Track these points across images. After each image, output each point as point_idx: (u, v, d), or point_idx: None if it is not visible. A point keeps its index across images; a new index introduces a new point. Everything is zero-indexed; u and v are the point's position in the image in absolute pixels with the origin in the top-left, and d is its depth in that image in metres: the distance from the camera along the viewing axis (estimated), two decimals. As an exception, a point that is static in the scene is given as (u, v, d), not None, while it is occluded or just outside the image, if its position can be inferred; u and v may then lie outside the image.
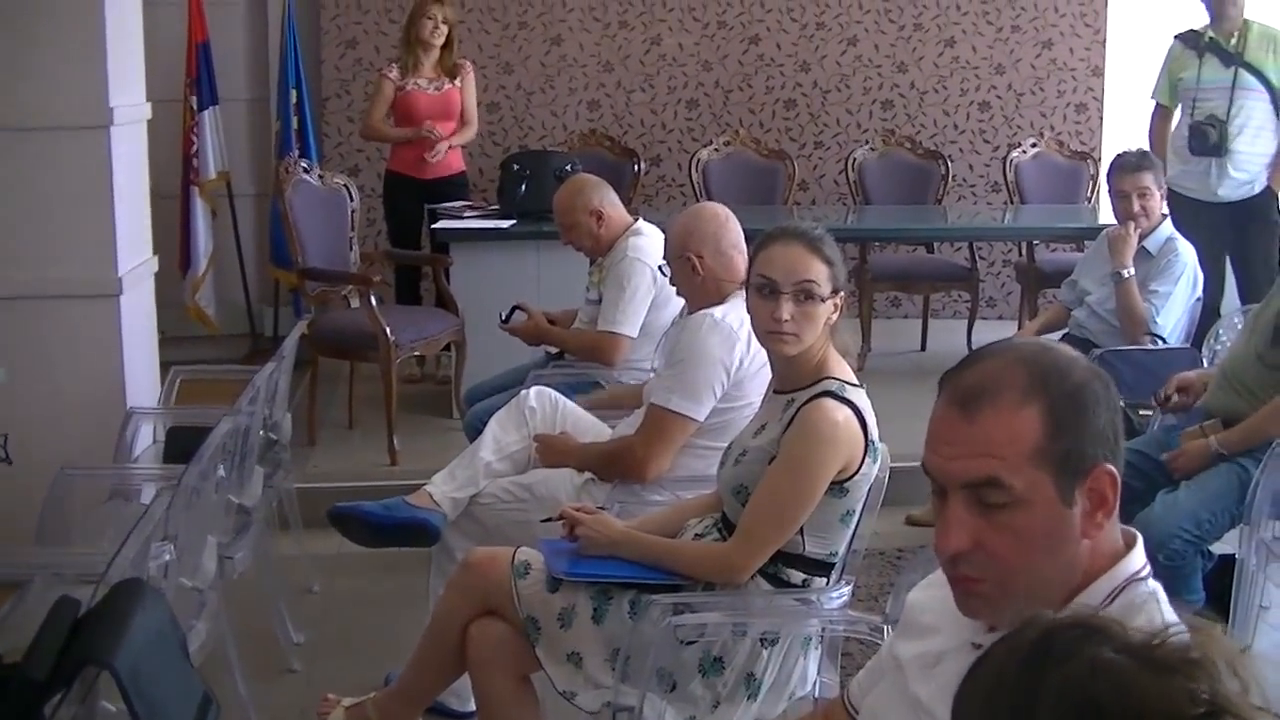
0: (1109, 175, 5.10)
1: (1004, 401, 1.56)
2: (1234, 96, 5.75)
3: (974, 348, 6.76)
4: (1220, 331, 4.65)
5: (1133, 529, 1.65)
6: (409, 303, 6.74)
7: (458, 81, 6.60)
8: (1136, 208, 4.89)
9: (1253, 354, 3.84)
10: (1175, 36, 6.04)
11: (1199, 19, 5.95)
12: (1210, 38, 5.82)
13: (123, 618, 2.08)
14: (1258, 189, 5.88)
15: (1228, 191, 5.82)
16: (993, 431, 1.55)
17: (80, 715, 2.03)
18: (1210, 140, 5.75)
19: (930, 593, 1.82)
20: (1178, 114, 6.02)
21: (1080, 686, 1.11)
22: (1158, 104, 6.13)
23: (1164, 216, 4.98)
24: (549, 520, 3.09)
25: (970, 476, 1.55)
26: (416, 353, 5.97)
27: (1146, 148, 5.53)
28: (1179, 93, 5.96)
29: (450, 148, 6.54)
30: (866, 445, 2.78)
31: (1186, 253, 4.90)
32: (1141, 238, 4.89)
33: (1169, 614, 1.56)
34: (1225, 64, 5.78)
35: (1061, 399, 1.56)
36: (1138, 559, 1.61)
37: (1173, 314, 4.82)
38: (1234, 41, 5.78)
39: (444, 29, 6.52)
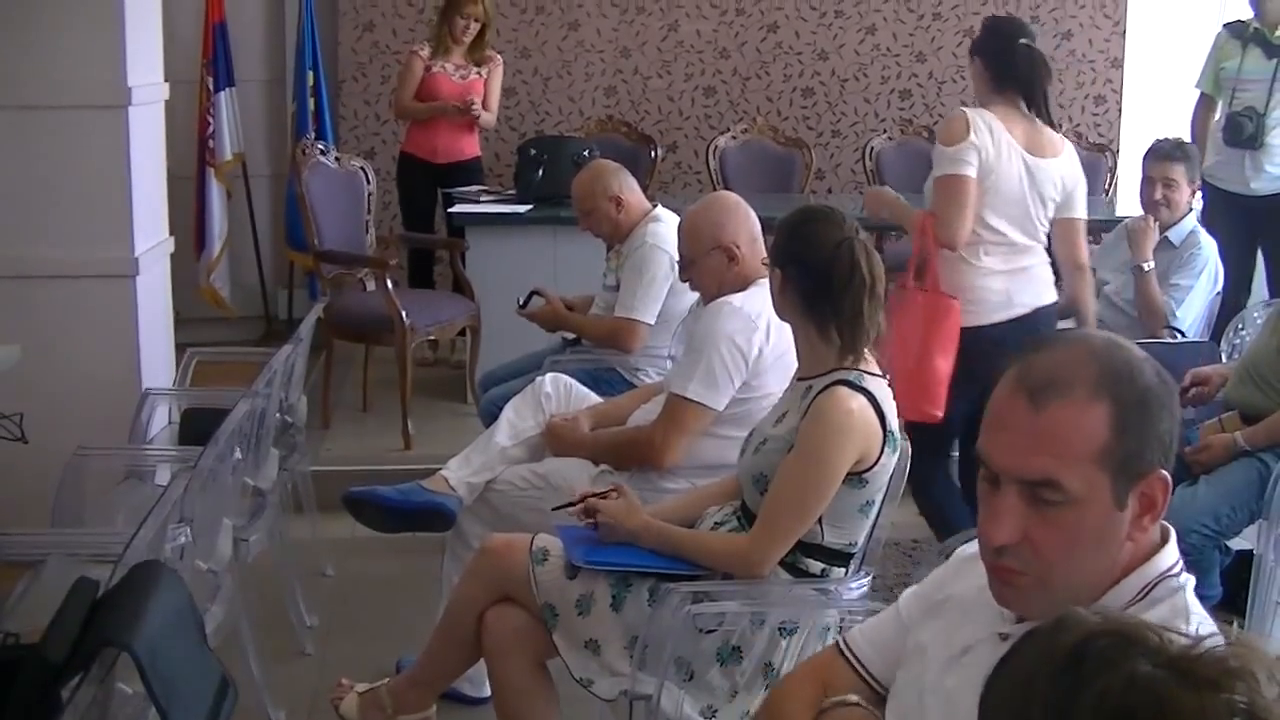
0: (1144, 158, 5.05)
1: (1074, 396, 1.53)
2: (1273, 89, 5.62)
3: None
4: (1241, 325, 4.62)
5: (1166, 523, 1.63)
6: (422, 286, 6.72)
7: (484, 70, 6.59)
8: (1159, 195, 4.85)
9: (1275, 348, 3.82)
10: (1224, 25, 5.94)
11: (1229, 11, 5.86)
12: (1256, 28, 5.73)
13: (141, 600, 2.07)
14: None
15: (1261, 185, 5.70)
16: (1058, 427, 1.52)
17: (98, 697, 2.02)
18: (1245, 132, 5.64)
19: (958, 568, 1.80)
20: (1221, 104, 5.92)
21: (1116, 703, 1.09)
22: (1202, 93, 6.01)
23: (1190, 210, 4.94)
24: (562, 507, 3.07)
25: (1028, 474, 1.53)
26: (431, 337, 5.96)
27: (1185, 137, 5.44)
28: (1221, 82, 5.84)
29: (475, 112, 6.49)
30: (885, 436, 2.75)
31: (1208, 247, 4.86)
32: (1165, 229, 4.85)
33: (1195, 609, 1.55)
34: (1268, 56, 5.66)
35: (1131, 402, 1.53)
36: (1170, 555, 1.60)
37: (1193, 308, 4.79)
38: (1279, 34, 5.69)
39: (476, 26, 6.50)
